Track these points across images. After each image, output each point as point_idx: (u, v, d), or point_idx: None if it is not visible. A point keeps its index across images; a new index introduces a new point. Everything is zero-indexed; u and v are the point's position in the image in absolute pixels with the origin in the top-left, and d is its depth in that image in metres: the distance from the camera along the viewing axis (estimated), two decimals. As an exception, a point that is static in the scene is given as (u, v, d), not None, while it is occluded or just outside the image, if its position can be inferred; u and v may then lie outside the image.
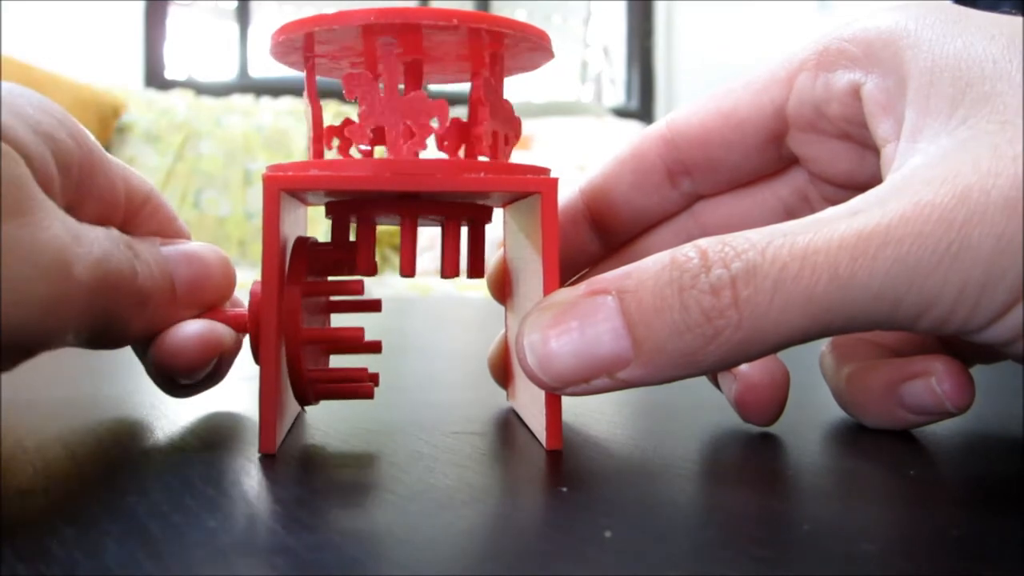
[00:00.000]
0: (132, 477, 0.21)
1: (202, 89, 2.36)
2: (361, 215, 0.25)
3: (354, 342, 0.26)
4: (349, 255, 0.25)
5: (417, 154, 0.24)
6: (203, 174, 2.15)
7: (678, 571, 0.16)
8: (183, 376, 0.26)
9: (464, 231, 0.27)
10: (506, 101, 0.25)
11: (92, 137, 0.25)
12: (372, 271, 0.25)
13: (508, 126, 0.25)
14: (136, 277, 0.24)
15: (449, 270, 0.26)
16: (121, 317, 0.23)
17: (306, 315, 0.25)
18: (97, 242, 0.22)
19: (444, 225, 0.26)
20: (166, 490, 0.20)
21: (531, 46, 0.24)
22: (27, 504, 0.19)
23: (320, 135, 0.25)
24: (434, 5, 2.28)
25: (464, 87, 0.26)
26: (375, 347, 0.27)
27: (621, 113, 2.61)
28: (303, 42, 0.24)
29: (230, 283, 0.27)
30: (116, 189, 0.26)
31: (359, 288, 0.25)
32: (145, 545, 0.17)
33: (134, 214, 0.26)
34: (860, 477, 0.23)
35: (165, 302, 0.25)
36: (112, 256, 0.23)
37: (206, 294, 0.26)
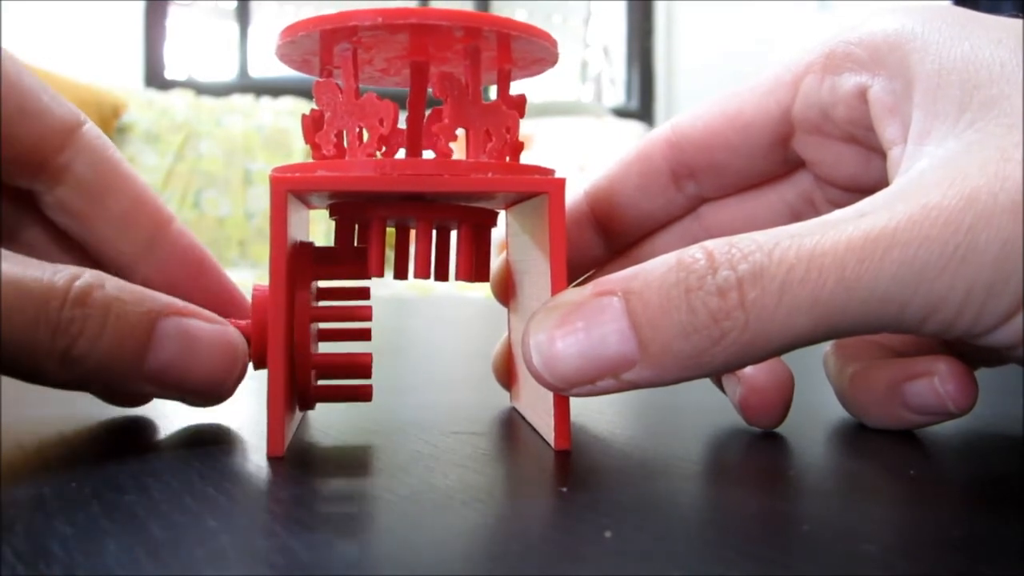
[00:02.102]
0: (132, 477, 0.21)
1: (202, 89, 2.36)
2: (373, 216, 0.25)
3: (363, 370, 0.25)
4: (358, 261, 0.25)
5: (421, 155, 0.24)
6: (203, 174, 2.15)
7: (678, 571, 0.16)
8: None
9: (454, 234, 0.26)
10: (508, 99, 0.25)
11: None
12: (382, 272, 0.25)
13: (490, 122, 0.25)
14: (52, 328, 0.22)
15: (463, 273, 0.25)
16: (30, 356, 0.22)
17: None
18: None
19: (457, 229, 0.26)
20: (166, 490, 0.20)
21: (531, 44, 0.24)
22: (27, 504, 0.19)
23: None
24: (435, 5, 2.28)
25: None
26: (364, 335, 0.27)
27: (621, 113, 2.60)
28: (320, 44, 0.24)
29: (228, 367, 0.25)
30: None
31: (367, 315, 0.25)
32: (145, 545, 0.17)
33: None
34: (861, 477, 0.23)
35: (115, 369, 0.23)
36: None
37: (183, 381, 0.24)
